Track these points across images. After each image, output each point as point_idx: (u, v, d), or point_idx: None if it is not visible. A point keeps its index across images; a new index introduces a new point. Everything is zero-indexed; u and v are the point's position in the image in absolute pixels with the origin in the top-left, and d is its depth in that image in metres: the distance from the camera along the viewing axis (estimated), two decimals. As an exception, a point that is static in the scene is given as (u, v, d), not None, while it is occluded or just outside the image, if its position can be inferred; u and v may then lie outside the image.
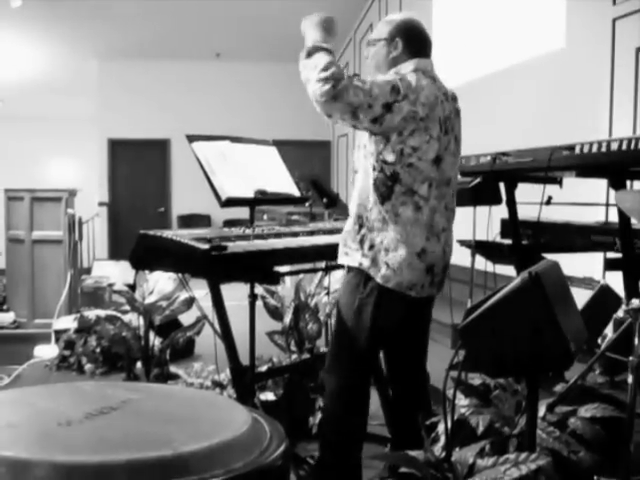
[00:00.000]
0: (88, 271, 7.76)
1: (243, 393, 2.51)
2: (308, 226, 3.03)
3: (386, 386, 2.92)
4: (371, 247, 2.10)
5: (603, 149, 2.36)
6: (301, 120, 11.13)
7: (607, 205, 4.03)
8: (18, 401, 1.62)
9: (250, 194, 2.71)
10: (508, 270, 3.28)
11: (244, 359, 2.53)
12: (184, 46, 10.35)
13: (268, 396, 3.05)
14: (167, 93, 10.73)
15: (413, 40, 2.20)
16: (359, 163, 2.19)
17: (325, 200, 3.02)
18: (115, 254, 10.20)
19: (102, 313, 4.65)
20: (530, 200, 2.84)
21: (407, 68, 2.14)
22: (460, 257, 3.03)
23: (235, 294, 2.93)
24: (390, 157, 2.06)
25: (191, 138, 2.68)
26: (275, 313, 3.53)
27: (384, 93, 2.01)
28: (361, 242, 2.12)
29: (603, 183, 3.44)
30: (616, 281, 3.11)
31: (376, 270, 2.10)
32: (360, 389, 2.25)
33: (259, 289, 3.38)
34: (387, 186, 2.08)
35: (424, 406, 2.33)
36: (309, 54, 2.05)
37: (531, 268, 1.68)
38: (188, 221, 10.78)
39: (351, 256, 2.15)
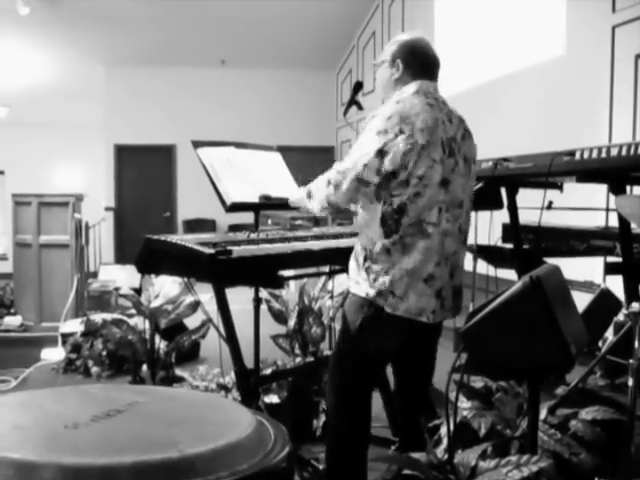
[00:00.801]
0: (94, 275, 7.80)
1: (247, 396, 2.52)
2: (312, 230, 3.05)
3: (388, 388, 2.94)
4: (376, 278, 2.09)
5: (603, 155, 2.36)
6: (305, 126, 11.18)
7: (607, 210, 4.03)
8: (25, 404, 1.64)
9: (255, 199, 2.73)
10: (509, 274, 3.28)
11: (249, 362, 2.55)
12: (190, 53, 10.40)
13: (272, 399, 3.06)
14: (173, 99, 10.77)
15: (414, 61, 2.17)
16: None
17: (328, 205, 3.04)
18: (121, 258, 10.23)
19: (108, 316, 4.70)
20: (531, 205, 2.84)
21: (409, 90, 2.14)
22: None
23: (240, 298, 2.96)
24: (397, 190, 2.04)
25: (196, 144, 2.70)
26: (279, 317, 3.56)
27: (366, 151, 2.05)
28: (367, 273, 2.11)
29: (603, 188, 3.44)
30: (616, 285, 3.12)
31: (383, 300, 2.08)
32: (360, 404, 2.24)
33: (264, 293, 3.40)
34: (394, 219, 2.06)
35: (427, 409, 2.34)
36: (309, 195, 2.34)
37: (532, 272, 1.69)
38: (193, 226, 10.80)
39: (360, 285, 2.14)
